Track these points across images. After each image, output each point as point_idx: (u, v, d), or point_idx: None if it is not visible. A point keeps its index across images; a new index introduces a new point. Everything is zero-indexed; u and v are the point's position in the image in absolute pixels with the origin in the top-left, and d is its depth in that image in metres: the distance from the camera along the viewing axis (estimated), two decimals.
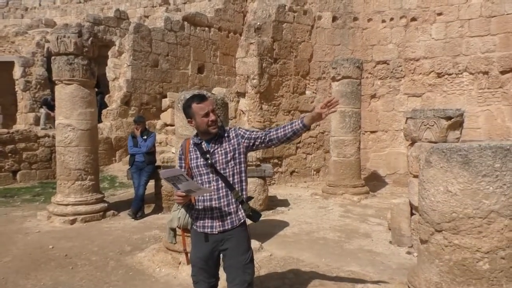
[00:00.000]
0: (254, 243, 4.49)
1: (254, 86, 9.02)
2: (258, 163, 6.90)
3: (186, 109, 2.54)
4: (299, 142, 9.62)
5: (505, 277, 2.60)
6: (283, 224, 5.72)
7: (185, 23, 11.69)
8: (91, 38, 6.07)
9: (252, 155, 6.91)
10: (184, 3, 15.14)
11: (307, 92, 9.92)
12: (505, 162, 2.61)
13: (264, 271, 3.91)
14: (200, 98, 2.50)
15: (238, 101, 9.56)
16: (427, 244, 2.82)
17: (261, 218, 6.23)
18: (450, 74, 9.27)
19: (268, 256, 4.32)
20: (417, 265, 2.99)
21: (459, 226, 2.62)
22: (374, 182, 9.26)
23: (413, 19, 9.67)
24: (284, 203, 7.11)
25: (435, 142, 4.62)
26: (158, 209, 6.52)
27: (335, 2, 9.99)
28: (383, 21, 9.85)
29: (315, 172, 9.86)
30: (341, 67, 7.71)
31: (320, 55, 9.98)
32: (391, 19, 9.81)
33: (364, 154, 9.35)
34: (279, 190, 8.43)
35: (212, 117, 2.46)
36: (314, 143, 9.85)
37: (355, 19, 10.00)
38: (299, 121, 2.47)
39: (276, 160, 9.16)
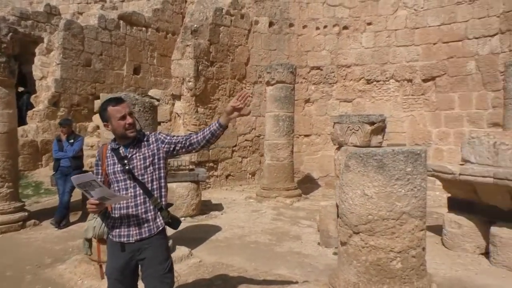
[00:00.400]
0: (184, 250, 4.40)
1: (190, 88, 8.90)
2: (192, 167, 6.79)
3: (102, 112, 2.42)
4: (235, 146, 9.64)
5: (416, 275, 2.74)
6: (216, 229, 5.66)
7: (121, 22, 11.29)
8: (10, 34, 5.66)
9: (186, 159, 6.80)
10: (122, 1, 14.59)
11: None
12: (416, 166, 2.76)
13: (192, 278, 3.84)
14: (116, 101, 2.40)
15: (173, 104, 9.38)
16: (346, 246, 2.91)
17: (194, 223, 6.09)
18: (378, 81, 9.77)
19: (197, 263, 4.24)
20: (337, 267, 3.07)
21: (374, 228, 2.73)
22: (308, 184, 9.49)
23: (345, 27, 10.06)
24: (218, 207, 7.07)
25: (360, 146, 4.81)
26: (84, 217, 6.16)
27: (272, 8, 10.14)
28: (317, 28, 10.15)
29: (250, 176, 9.92)
30: (275, 72, 7.82)
31: (257, 59, 10.07)
32: (325, 26, 10.14)
33: (298, 157, 9.57)
34: (214, 194, 8.37)
35: (129, 120, 2.37)
36: (250, 147, 9.91)
37: (291, 25, 10.21)
38: (216, 122, 2.46)
39: (211, 164, 9.10)
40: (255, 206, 7.28)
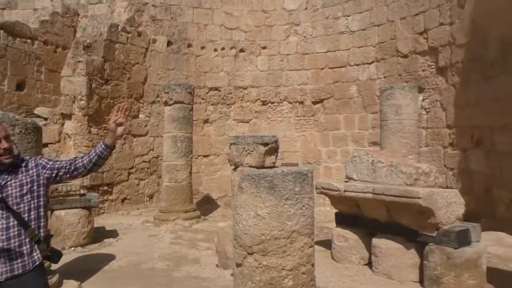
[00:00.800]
0: (72, 284, 4.05)
1: (82, 107, 8.37)
2: (83, 192, 6.34)
3: None
4: (132, 168, 9.26)
5: None
6: (110, 258, 5.33)
7: (1, 31, 10.22)
8: None
9: (76, 183, 6.31)
10: (3, 9, 13.24)
11: (140, 115, 9.67)
12: (303, 186, 2.93)
13: None
14: None
15: (63, 124, 8.72)
16: (241, 267, 2.96)
17: (85, 253, 5.65)
18: (273, 103, 10.26)
19: None
20: None
21: (267, 248, 2.83)
22: (207, 205, 9.47)
23: (242, 50, 10.41)
24: (113, 233, 6.68)
25: (255, 167, 4.98)
26: None
27: (170, 27, 10.09)
28: (215, 50, 10.34)
29: (148, 198, 9.58)
30: (173, 92, 7.75)
31: (155, 78, 9.88)
32: (223, 48, 10.37)
33: (197, 178, 9.52)
34: (109, 219, 7.89)
35: (4, 144, 2.16)
36: (147, 168, 9.60)
37: (189, 45, 10.25)
38: (102, 143, 2.36)
39: (106, 187, 8.59)
40: (153, 230, 7.02)
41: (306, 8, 10.23)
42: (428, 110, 7.86)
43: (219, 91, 10.32)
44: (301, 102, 10.07)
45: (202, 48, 10.32)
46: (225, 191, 9.86)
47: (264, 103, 10.29)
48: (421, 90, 7.69)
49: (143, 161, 9.51)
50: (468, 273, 3.81)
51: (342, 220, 5.08)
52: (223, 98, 10.33)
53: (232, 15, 10.42)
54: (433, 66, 7.80)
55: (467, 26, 6.81)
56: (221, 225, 5.02)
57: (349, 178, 4.94)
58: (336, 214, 5.27)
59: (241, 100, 10.35)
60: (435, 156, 7.65)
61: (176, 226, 7.18)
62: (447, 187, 6.33)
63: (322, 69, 9.96)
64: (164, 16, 10.03)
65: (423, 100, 7.87)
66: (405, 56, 8.43)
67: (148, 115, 9.78)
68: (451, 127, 7.29)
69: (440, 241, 3.93)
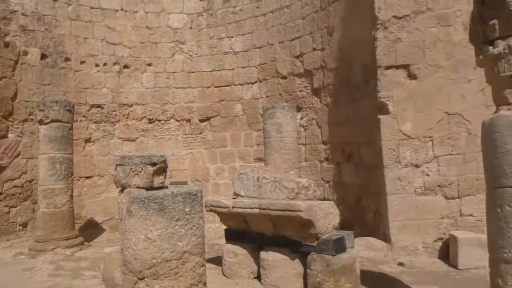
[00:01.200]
0: None
1: None
2: None
3: None
4: (1, 194, 8.25)
5: None
6: None
7: None
8: None
9: None
10: None
11: (10, 135, 8.70)
12: (193, 206, 3.00)
13: None
14: None
15: None
16: None
17: None
18: (160, 120, 10.13)
19: None
20: None
21: (158, 271, 2.81)
22: (91, 230, 8.88)
23: (126, 66, 10.11)
24: None
25: (144, 188, 4.88)
26: None
27: (44, 39, 9.34)
28: (97, 65, 9.86)
29: (21, 228, 8.59)
30: (49, 110, 7.17)
31: (27, 94, 9.01)
32: (105, 64, 9.94)
33: (79, 201, 8.89)
34: None
35: None
36: (19, 194, 8.63)
37: (67, 59, 9.60)
38: None
39: None
40: (28, 263, 6.33)
41: (191, 28, 10.40)
42: (306, 127, 8.57)
43: (102, 108, 9.84)
44: (189, 120, 10.14)
45: (82, 62, 9.76)
46: (111, 214, 9.36)
47: (150, 121, 10.10)
48: (299, 109, 8.37)
49: (14, 186, 8.53)
50: (345, 277, 4.23)
51: (232, 236, 5.24)
52: (106, 116, 9.86)
53: (114, 30, 10.08)
54: (308, 87, 8.55)
55: (335, 53, 7.66)
56: (107, 251, 4.79)
57: (237, 195, 5.14)
58: (225, 230, 5.41)
59: (127, 118, 10.01)
60: (313, 170, 8.36)
61: (56, 255, 6.57)
62: (324, 199, 6.96)
63: (208, 87, 10.19)
64: (37, 26, 9.26)
65: (301, 118, 8.57)
66: (284, 77, 9.09)
67: (20, 135, 8.85)
68: (326, 143, 8.07)
69: (320, 250, 4.31)
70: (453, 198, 5.79)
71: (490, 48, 3.03)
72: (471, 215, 5.73)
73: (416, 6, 5.89)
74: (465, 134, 5.78)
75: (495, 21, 2.97)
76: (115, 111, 9.95)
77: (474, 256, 4.99)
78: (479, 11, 3.11)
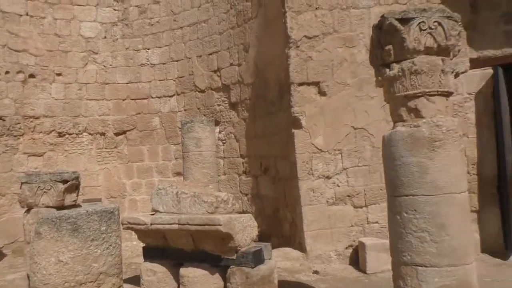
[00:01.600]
0: None
1: None
2: None
3: None
4: None
5: None
6: None
7: None
8: None
9: None
10: None
11: None
12: (110, 225, 2.91)
13: None
14: None
15: None
16: None
17: None
18: (71, 134, 9.54)
19: None
20: None
21: None
22: None
23: (32, 75, 9.39)
24: None
25: (54, 207, 4.59)
26: None
27: None
28: None
29: None
30: None
31: None
32: (7, 72, 9.13)
33: None
34: None
35: None
36: None
37: None
38: None
39: None
40: None
41: (105, 37, 10.02)
42: (224, 141, 8.69)
43: (4, 120, 9.00)
44: (103, 134, 9.68)
45: None
46: (14, 237, 8.55)
47: (60, 134, 9.47)
48: (217, 123, 8.47)
49: None
50: None
51: (150, 253, 5.11)
52: (8, 129, 9.04)
53: (18, 36, 9.33)
54: (226, 102, 8.70)
55: (252, 69, 7.91)
56: (10, 278, 4.40)
57: (155, 211, 5.04)
58: (143, 248, 5.26)
59: (33, 131, 9.26)
60: (232, 184, 8.47)
61: None
62: (243, 212, 7.10)
63: (124, 100, 9.85)
64: None
65: (220, 132, 8.67)
66: (203, 91, 9.15)
67: None
68: (244, 157, 8.24)
69: (239, 263, 4.39)
70: (361, 207, 6.26)
71: (387, 70, 3.40)
72: (376, 222, 6.23)
73: (324, 28, 6.34)
74: (370, 147, 6.30)
75: (390, 46, 3.35)
76: (19, 123, 9.16)
77: (380, 260, 5.43)
78: (377, 36, 3.47)
